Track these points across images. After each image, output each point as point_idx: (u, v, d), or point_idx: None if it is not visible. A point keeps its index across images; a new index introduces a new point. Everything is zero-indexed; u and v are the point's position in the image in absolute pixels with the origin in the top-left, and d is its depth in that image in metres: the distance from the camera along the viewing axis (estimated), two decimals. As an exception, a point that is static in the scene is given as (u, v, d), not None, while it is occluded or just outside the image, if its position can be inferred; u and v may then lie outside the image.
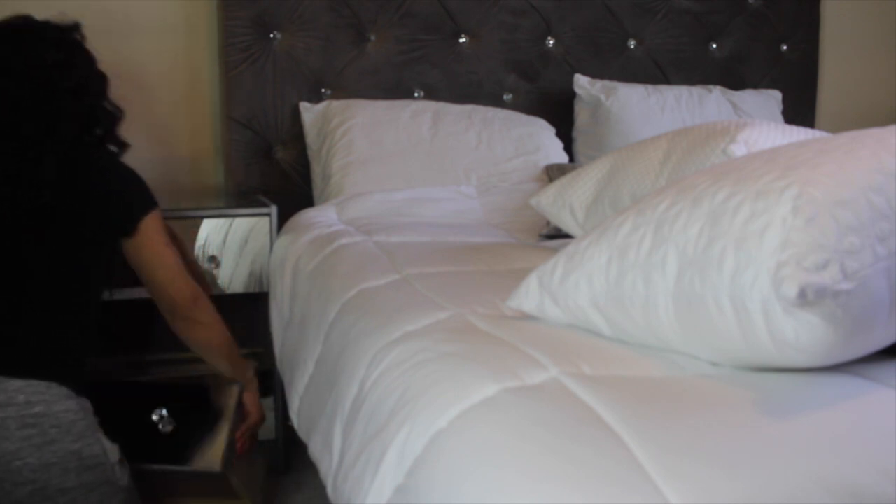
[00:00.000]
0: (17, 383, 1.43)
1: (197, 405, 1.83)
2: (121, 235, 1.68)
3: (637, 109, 2.65)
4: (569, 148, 2.71)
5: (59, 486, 1.43)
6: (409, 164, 2.41)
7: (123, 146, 1.75)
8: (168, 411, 1.75)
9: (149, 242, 1.69)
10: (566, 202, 1.84)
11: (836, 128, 1.82)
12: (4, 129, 1.58)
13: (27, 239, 1.55)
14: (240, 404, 1.82)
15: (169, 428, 1.75)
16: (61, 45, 1.65)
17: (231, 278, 2.22)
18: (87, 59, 1.70)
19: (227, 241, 2.23)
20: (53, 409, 1.45)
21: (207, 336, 1.80)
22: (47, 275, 1.56)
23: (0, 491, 1.41)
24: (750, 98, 2.84)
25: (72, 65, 1.65)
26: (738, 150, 1.60)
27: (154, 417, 1.74)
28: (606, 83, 2.72)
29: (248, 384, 1.87)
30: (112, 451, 1.54)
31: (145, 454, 1.69)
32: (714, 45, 2.97)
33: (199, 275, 2.06)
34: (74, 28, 1.70)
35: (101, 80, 1.72)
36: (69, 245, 1.59)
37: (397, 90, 2.63)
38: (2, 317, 1.50)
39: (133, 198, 1.69)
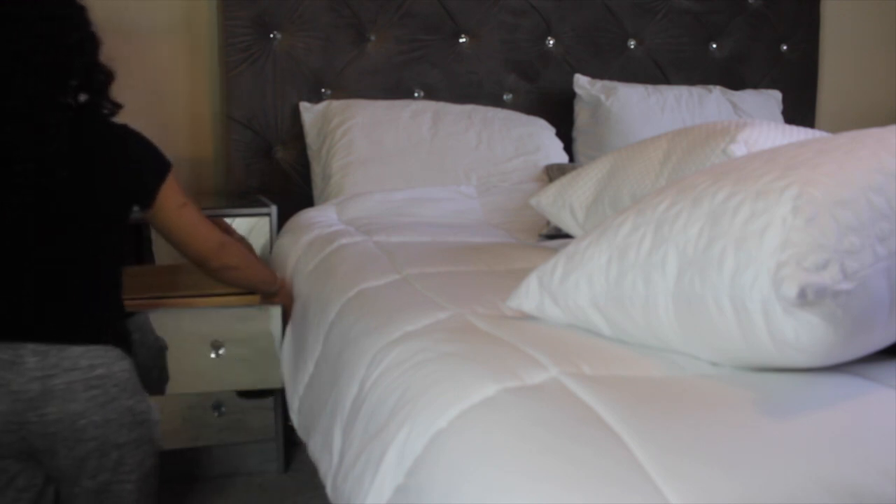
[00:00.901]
0: (78, 349, 1.49)
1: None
2: (139, 207, 1.63)
3: (637, 109, 2.65)
4: (569, 148, 2.71)
5: (115, 441, 1.50)
6: (409, 164, 2.41)
7: (116, 107, 1.65)
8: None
9: (167, 208, 1.65)
10: (566, 202, 1.84)
11: (836, 128, 1.82)
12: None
13: (42, 224, 1.49)
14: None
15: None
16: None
17: (231, 278, 2.23)
18: (86, 17, 1.60)
19: (227, 241, 2.22)
20: (113, 369, 1.51)
21: (242, 275, 1.85)
22: (85, 251, 1.55)
23: (63, 447, 1.48)
24: (750, 98, 2.84)
25: (74, 21, 1.55)
26: (738, 150, 1.60)
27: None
28: (606, 83, 2.72)
29: (281, 289, 1.96)
30: (154, 409, 1.61)
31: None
32: (714, 45, 2.97)
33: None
34: None
35: (95, 40, 1.61)
36: (93, 220, 1.55)
37: (397, 90, 2.63)
38: (53, 293, 1.52)
39: (147, 170, 1.62)
